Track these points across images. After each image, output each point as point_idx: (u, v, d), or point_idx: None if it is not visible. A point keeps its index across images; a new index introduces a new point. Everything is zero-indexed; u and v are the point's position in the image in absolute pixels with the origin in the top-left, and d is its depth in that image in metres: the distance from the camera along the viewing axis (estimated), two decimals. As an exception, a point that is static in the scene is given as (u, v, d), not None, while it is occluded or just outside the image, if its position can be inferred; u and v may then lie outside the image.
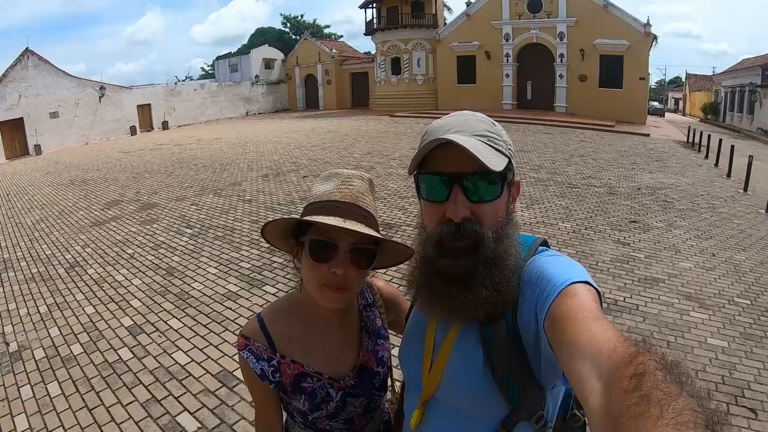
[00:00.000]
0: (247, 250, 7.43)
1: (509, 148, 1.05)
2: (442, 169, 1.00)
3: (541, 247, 1.12)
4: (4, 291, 6.58)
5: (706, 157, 16.40)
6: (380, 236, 1.21)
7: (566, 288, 0.89)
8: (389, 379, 1.53)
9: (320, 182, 1.30)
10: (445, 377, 1.09)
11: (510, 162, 1.03)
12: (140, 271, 6.94)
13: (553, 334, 0.86)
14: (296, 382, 1.30)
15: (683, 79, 62.67)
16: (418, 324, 1.21)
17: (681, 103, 61.20)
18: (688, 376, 0.60)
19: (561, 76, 29.09)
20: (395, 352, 1.37)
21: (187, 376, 4.23)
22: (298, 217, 1.23)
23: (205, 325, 5.16)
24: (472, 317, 1.03)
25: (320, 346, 1.35)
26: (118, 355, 4.65)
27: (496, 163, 0.95)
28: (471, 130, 1.00)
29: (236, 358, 4.32)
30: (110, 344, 4.87)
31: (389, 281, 1.63)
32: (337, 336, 1.38)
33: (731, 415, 3.48)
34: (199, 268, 6.90)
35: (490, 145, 0.99)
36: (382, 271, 5.92)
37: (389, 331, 1.54)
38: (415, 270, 1.12)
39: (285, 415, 1.43)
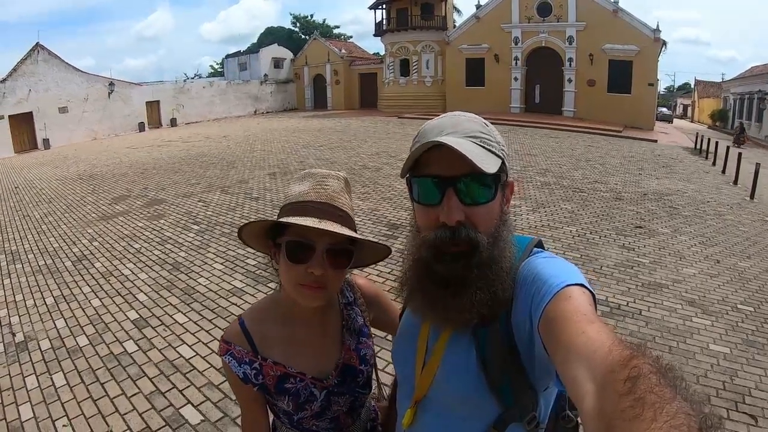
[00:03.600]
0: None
1: (502, 149, 1.03)
2: (434, 172, 0.99)
3: (536, 249, 1.11)
4: (11, 282, 6.64)
5: (714, 164, 16.35)
6: (357, 236, 1.22)
7: (561, 290, 0.89)
8: (374, 377, 1.54)
9: (295, 183, 1.31)
10: (438, 378, 1.08)
11: (503, 163, 1.02)
12: (147, 265, 6.98)
13: (547, 336, 0.85)
14: (279, 383, 1.31)
15: (692, 86, 62.42)
16: (410, 325, 1.20)
17: (689, 109, 60.93)
18: (682, 380, 0.60)
19: (569, 81, 29.05)
20: (380, 349, 1.38)
21: (192, 370, 4.26)
22: (273, 219, 1.24)
23: (210, 320, 5.20)
24: (467, 321, 1.02)
25: (302, 346, 1.35)
26: (124, 347, 4.69)
27: (489, 164, 0.95)
28: (463, 132, 0.99)
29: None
30: (116, 337, 4.91)
31: (370, 278, 1.63)
32: (319, 335, 1.38)
33: (731, 421, 3.49)
34: (206, 263, 6.94)
35: (482, 146, 0.99)
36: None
37: (372, 328, 1.54)
38: (407, 272, 1.11)
39: (272, 416, 1.44)
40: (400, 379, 1.25)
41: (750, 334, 4.78)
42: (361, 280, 1.57)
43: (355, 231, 1.25)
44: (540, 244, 1.14)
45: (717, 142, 17.88)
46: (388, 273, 5.90)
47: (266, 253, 1.35)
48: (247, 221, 1.26)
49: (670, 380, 0.59)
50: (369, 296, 1.55)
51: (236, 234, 6.14)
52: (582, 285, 0.91)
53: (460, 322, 1.04)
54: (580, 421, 1.10)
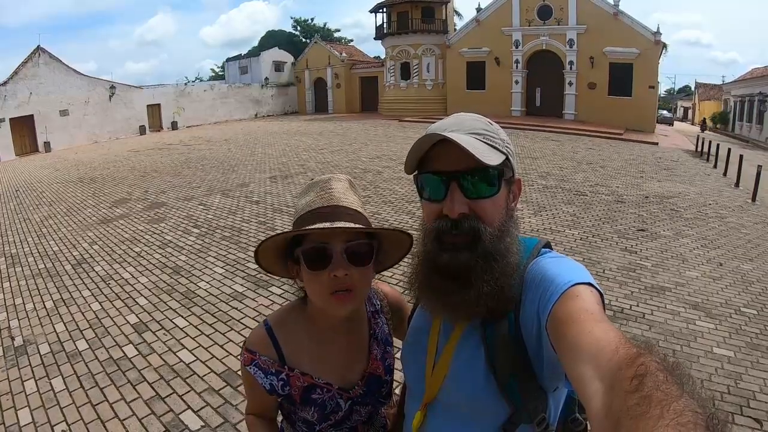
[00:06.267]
0: (254, 251, 7.42)
1: (507, 146, 1.05)
2: (439, 168, 1.02)
3: (543, 249, 1.11)
4: (11, 286, 6.63)
5: (715, 166, 16.34)
6: (371, 228, 1.20)
7: (569, 289, 0.89)
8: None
9: (301, 196, 1.29)
10: (448, 379, 1.08)
11: (508, 159, 1.03)
12: (147, 269, 6.96)
13: (555, 335, 0.86)
14: (305, 393, 1.28)
15: (692, 88, 62.41)
16: (421, 326, 1.20)
17: (690, 112, 60.92)
18: (689, 378, 0.60)
19: (570, 84, 29.03)
20: (397, 355, 1.36)
21: (192, 375, 4.23)
22: (286, 231, 1.22)
23: (210, 325, 5.17)
24: (474, 314, 1.03)
25: (330, 355, 1.32)
26: (123, 352, 4.67)
27: (491, 158, 0.96)
28: (467, 129, 1.01)
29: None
30: (115, 341, 4.89)
31: (395, 285, 1.60)
32: (347, 345, 1.35)
33: (736, 425, 3.46)
34: (206, 267, 6.92)
35: (486, 142, 1.00)
36: (389, 275, 5.91)
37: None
38: (415, 268, 1.12)
39: (280, 418, 1.41)
40: (410, 381, 1.25)
41: (754, 337, 4.76)
42: (386, 287, 1.55)
43: (370, 226, 1.22)
44: (548, 245, 1.14)
45: (718, 144, 17.84)
46: (390, 276, 5.87)
47: (289, 277, 1.31)
48: (262, 240, 1.21)
49: (677, 378, 0.60)
50: (394, 303, 1.52)
51: (237, 242, 6.08)
52: (590, 284, 0.91)
53: (468, 316, 1.05)
54: (588, 426, 1.11)
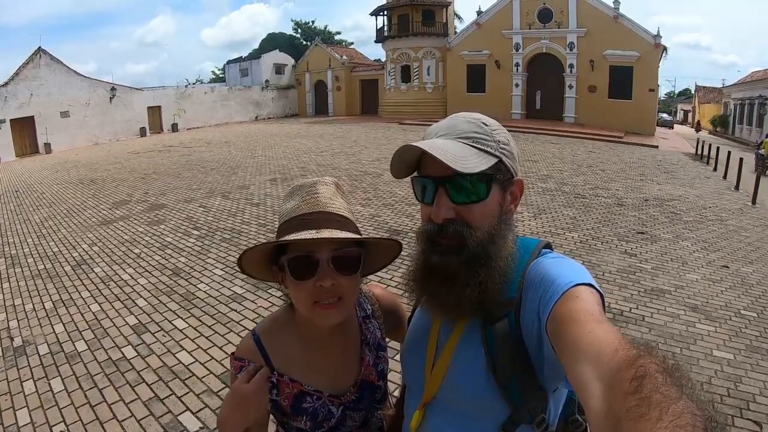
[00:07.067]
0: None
1: (502, 148, 1.04)
2: (428, 173, 1.03)
3: (544, 250, 1.11)
4: (10, 286, 6.62)
5: (715, 169, 16.37)
6: (358, 236, 1.16)
7: (569, 290, 0.89)
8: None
9: (286, 200, 1.25)
10: (447, 378, 1.08)
11: (501, 162, 1.03)
12: (146, 270, 6.96)
13: (555, 336, 0.85)
14: (296, 402, 1.24)
15: (692, 91, 62.39)
16: (421, 325, 1.20)
17: (690, 115, 60.87)
18: (688, 380, 0.60)
19: (570, 87, 29.10)
20: (396, 357, 1.35)
21: (191, 376, 4.23)
22: (269, 241, 1.17)
23: (209, 326, 5.17)
24: (459, 314, 1.05)
25: (320, 363, 1.28)
26: (122, 353, 4.66)
27: (472, 164, 0.96)
28: (456, 133, 1.02)
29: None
30: (114, 342, 4.88)
31: (387, 287, 1.58)
32: (338, 352, 1.31)
33: (736, 427, 3.45)
34: (206, 269, 6.91)
35: (474, 146, 1.00)
36: (388, 276, 5.91)
37: (387, 340, 1.48)
38: (411, 267, 1.12)
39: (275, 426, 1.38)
40: (409, 381, 1.24)
41: (754, 339, 4.75)
42: (378, 290, 1.51)
43: (358, 232, 1.19)
44: (548, 246, 1.14)
45: (718, 147, 17.85)
46: (389, 278, 5.87)
47: (274, 281, 1.27)
48: (244, 249, 1.18)
49: (676, 380, 0.60)
50: (387, 307, 1.48)
51: (236, 244, 6.07)
52: (590, 285, 0.91)
53: (459, 316, 1.06)
54: (588, 427, 1.10)
